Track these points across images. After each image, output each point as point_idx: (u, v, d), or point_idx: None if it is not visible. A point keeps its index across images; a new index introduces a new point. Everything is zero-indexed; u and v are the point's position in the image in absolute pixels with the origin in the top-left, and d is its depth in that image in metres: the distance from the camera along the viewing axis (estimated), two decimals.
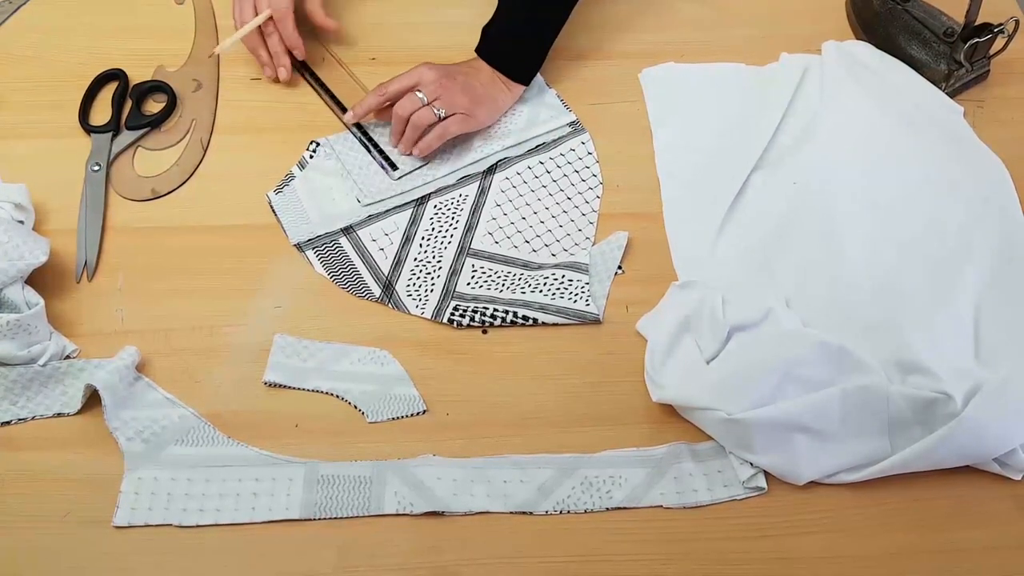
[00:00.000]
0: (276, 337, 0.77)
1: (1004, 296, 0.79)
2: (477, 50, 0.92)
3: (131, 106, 0.92)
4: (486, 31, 0.91)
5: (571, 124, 0.92)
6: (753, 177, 0.88)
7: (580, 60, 0.98)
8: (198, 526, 0.68)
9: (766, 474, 0.71)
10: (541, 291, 0.80)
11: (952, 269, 0.80)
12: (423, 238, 0.84)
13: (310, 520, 0.69)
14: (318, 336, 0.78)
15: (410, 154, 0.89)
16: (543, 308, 0.79)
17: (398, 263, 0.82)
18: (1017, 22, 0.89)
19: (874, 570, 0.68)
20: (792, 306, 0.79)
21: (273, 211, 0.85)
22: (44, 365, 0.74)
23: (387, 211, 0.86)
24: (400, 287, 0.81)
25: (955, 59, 0.92)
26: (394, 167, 0.88)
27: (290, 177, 0.88)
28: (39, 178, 0.85)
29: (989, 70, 0.95)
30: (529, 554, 0.68)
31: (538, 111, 0.93)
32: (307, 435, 0.73)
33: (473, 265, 0.83)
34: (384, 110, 0.90)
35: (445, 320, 0.79)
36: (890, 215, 0.85)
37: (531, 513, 0.70)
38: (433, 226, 0.85)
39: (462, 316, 0.79)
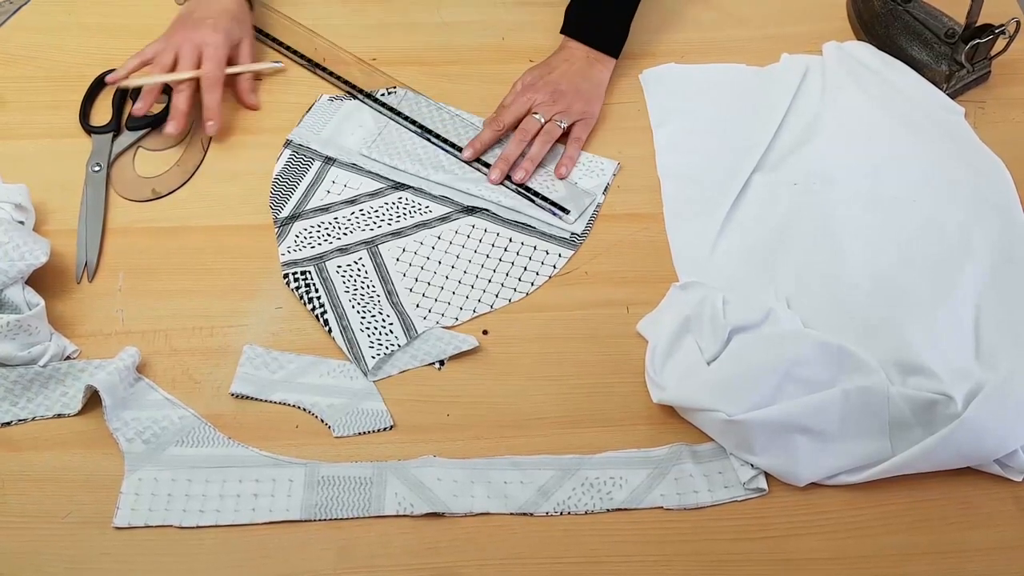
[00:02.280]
0: (245, 348, 0.77)
1: (1004, 296, 0.79)
2: (565, 30, 0.94)
3: (132, 106, 0.92)
4: (570, 10, 0.94)
5: (572, 235, 0.85)
6: (754, 177, 0.88)
7: None
8: (198, 527, 0.68)
9: (766, 475, 0.71)
10: (361, 315, 0.78)
11: (952, 269, 0.80)
12: (361, 210, 0.85)
13: (310, 521, 0.69)
14: (319, 337, 0.78)
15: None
16: (344, 329, 0.77)
17: (323, 210, 0.85)
18: (1018, 23, 0.89)
19: (874, 570, 0.68)
20: (792, 306, 0.79)
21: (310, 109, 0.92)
22: (44, 366, 0.74)
23: (368, 172, 0.88)
24: (296, 227, 0.84)
25: (956, 60, 0.92)
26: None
27: (351, 97, 0.94)
28: (39, 178, 0.85)
29: (990, 71, 0.95)
30: (529, 555, 0.68)
31: (564, 202, 0.87)
32: (307, 436, 0.73)
33: (360, 259, 0.82)
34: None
35: (286, 268, 0.81)
36: (890, 215, 0.85)
37: (531, 514, 0.70)
38: (377, 209, 0.86)
39: (295, 278, 0.80)
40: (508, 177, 0.88)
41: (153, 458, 0.71)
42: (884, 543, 0.69)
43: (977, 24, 0.90)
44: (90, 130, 0.90)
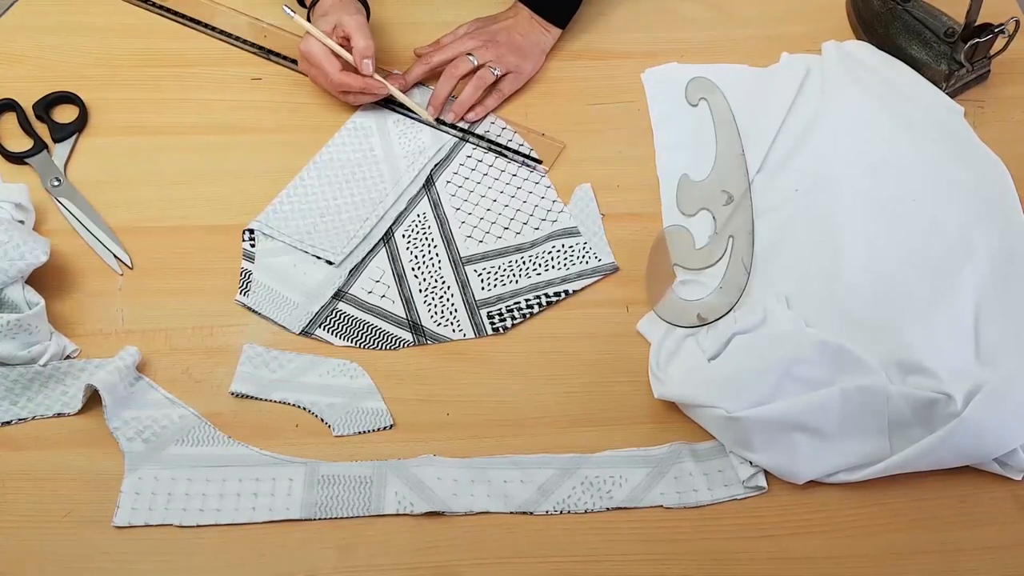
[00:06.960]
0: (245, 346, 0.76)
1: (1004, 296, 0.79)
2: None
3: (48, 122, 0.90)
4: None
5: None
6: (753, 177, 0.88)
7: (580, 60, 0.98)
8: (198, 526, 0.68)
9: (766, 473, 0.71)
10: (553, 267, 0.81)
11: (952, 269, 0.80)
12: (413, 269, 0.82)
13: (310, 520, 0.69)
14: (319, 337, 0.78)
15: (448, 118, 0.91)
16: (565, 279, 0.80)
17: (408, 302, 0.80)
18: (1017, 22, 0.89)
19: (874, 570, 0.68)
20: (792, 306, 0.79)
21: (255, 311, 0.79)
22: (44, 365, 0.74)
23: (363, 259, 0.82)
24: (427, 322, 0.79)
25: (955, 59, 0.92)
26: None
27: (247, 274, 0.81)
28: None
29: (989, 70, 0.95)
30: (529, 554, 0.68)
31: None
32: (307, 435, 0.73)
33: (476, 270, 0.82)
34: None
35: (489, 331, 0.78)
36: (890, 215, 0.85)
37: (531, 513, 0.70)
38: (415, 254, 0.83)
39: (502, 320, 0.79)
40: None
41: (153, 457, 0.71)
42: (884, 542, 0.69)
43: (976, 23, 0.90)
44: (18, 157, 0.87)
